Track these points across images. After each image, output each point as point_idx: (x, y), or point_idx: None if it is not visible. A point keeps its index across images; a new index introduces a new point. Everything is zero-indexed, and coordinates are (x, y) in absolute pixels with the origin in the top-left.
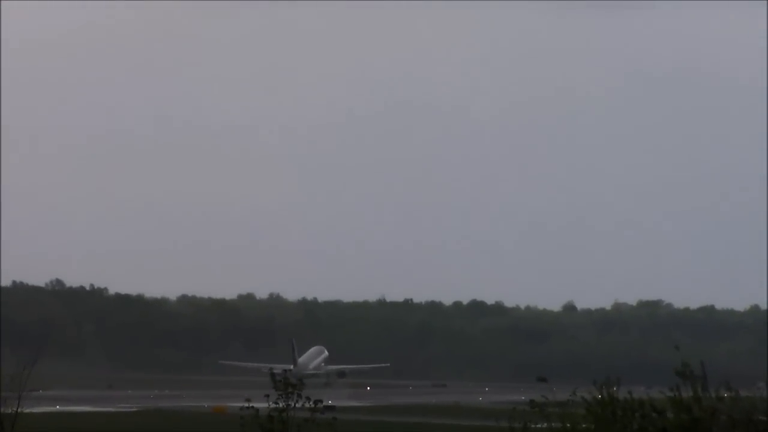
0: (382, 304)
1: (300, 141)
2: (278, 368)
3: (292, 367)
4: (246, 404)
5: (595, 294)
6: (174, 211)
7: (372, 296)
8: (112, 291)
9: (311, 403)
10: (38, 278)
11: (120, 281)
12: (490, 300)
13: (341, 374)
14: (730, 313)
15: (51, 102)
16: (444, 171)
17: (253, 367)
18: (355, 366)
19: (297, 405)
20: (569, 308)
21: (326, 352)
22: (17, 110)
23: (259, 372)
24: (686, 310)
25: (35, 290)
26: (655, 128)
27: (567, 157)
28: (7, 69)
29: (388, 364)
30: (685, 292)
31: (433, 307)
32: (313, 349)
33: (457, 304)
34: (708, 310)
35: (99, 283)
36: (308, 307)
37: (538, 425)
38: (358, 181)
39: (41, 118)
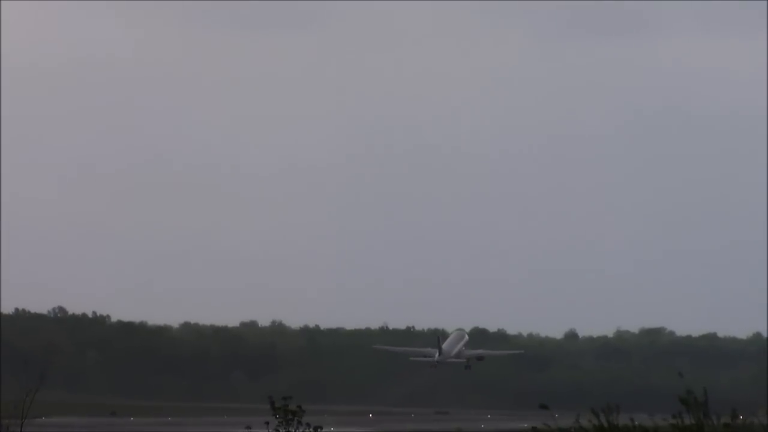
0: (384, 331)
1: (302, 173)
2: (426, 353)
3: (437, 354)
4: (246, 431)
5: (598, 322)
6: (177, 239)
7: (374, 324)
8: (114, 318)
9: (312, 429)
10: (40, 305)
11: (122, 309)
12: (492, 328)
13: (480, 358)
14: (732, 341)
15: (54, 130)
16: (445, 200)
17: (405, 352)
18: (492, 351)
19: None
20: (571, 336)
21: (467, 337)
22: (18, 138)
23: (407, 358)
24: (688, 337)
25: (37, 317)
26: (655, 157)
27: (567, 184)
28: (7, 91)
29: (522, 351)
30: (688, 320)
31: (435, 334)
32: (454, 335)
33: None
34: (710, 338)
35: (101, 311)
36: (310, 335)
37: None
38: (360, 209)
39: (43, 147)
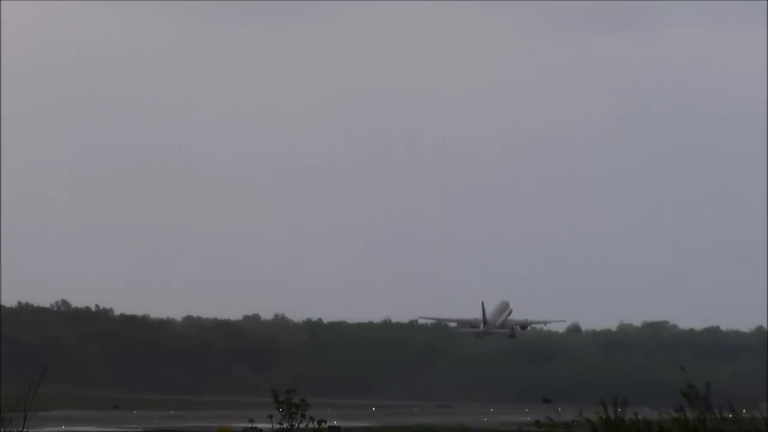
0: (386, 324)
1: (305, 169)
2: (471, 323)
3: (482, 325)
4: (250, 425)
5: (600, 315)
6: (180, 233)
7: (377, 317)
8: (117, 312)
9: (315, 423)
10: (44, 299)
11: (125, 302)
12: None
13: (523, 327)
14: (735, 334)
15: (57, 124)
16: (446, 192)
17: (447, 320)
18: (535, 320)
19: (300, 425)
20: (574, 329)
21: (510, 306)
22: (21, 132)
23: (446, 328)
24: (691, 331)
25: (41, 311)
26: (659, 152)
27: (571, 179)
28: (11, 88)
29: (565, 320)
30: (690, 313)
31: (438, 328)
32: (498, 305)
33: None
34: (713, 331)
35: (104, 304)
36: (313, 328)
37: None
38: (362, 204)
39: (46, 141)
